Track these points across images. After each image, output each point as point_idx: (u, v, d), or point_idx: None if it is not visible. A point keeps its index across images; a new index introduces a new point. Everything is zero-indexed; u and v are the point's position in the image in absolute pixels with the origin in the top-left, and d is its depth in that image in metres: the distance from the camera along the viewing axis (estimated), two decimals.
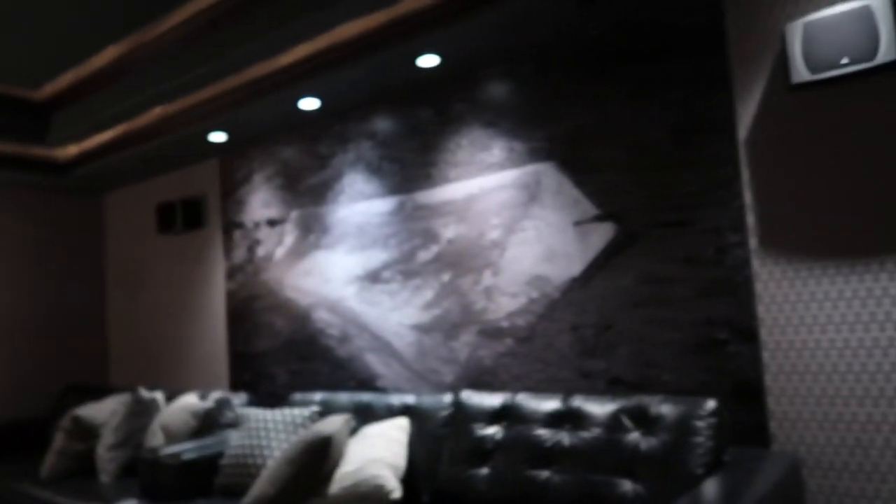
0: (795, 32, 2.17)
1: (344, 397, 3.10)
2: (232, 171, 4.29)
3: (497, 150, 3.03)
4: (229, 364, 4.23)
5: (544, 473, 2.31)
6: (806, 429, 2.19)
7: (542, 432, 2.41)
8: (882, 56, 2.04)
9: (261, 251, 4.10)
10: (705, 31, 2.45)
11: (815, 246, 2.21)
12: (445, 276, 3.21)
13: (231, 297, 4.25)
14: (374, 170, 3.52)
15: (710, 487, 1.89)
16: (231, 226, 4.28)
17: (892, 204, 2.09)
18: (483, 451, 2.50)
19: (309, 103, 3.47)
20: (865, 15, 2.06)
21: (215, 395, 3.54)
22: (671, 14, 2.52)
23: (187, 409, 3.33)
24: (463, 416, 2.64)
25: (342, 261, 3.67)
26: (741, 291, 2.34)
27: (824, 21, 2.12)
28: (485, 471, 2.45)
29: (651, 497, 2.07)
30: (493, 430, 2.54)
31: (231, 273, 4.26)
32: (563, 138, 2.81)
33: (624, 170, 2.63)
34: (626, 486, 2.14)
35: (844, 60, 2.09)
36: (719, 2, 2.41)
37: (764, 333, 2.28)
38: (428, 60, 2.98)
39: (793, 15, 2.25)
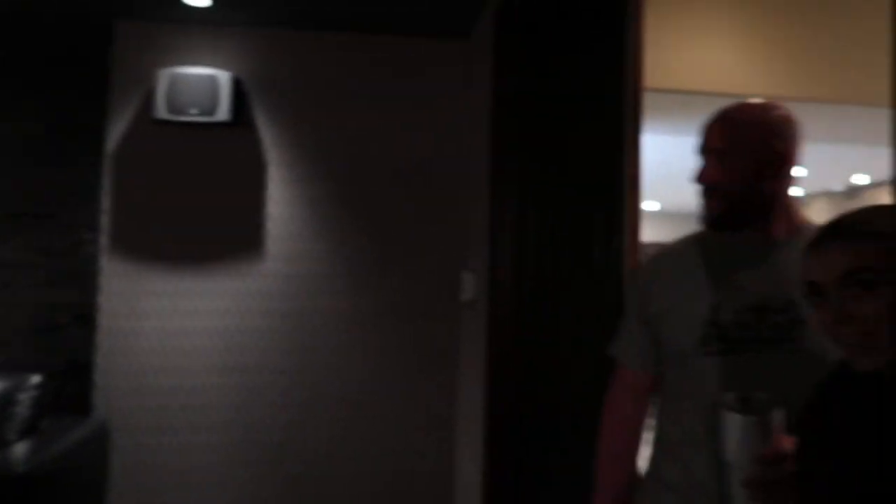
0: (164, 78, 2.58)
1: None
2: None
3: None
4: None
5: None
6: (123, 397, 2.56)
7: None
8: (219, 115, 2.62)
9: None
10: (94, 54, 2.65)
11: (155, 248, 2.63)
12: None
13: None
14: None
15: (18, 449, 2.04)
16: None
17: (214, 222, 2.67)
18: None
19: None
20: (213, 82, 2.62)
21: None
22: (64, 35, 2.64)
23: None
24: None
25: None
26: (87, 282, 2.58)
27: (185, 76, 2.59)
28: None
29: None
30: None
31: None
32: None
33: None
34: None
35: (194, 111, 2.60)
36: (110, 33, 2.65)
37: (101, 319, 2.57)
38: None
39: (164, 64, 2.66)
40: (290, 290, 2.71)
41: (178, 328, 2.61)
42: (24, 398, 2.24)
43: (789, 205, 1.29)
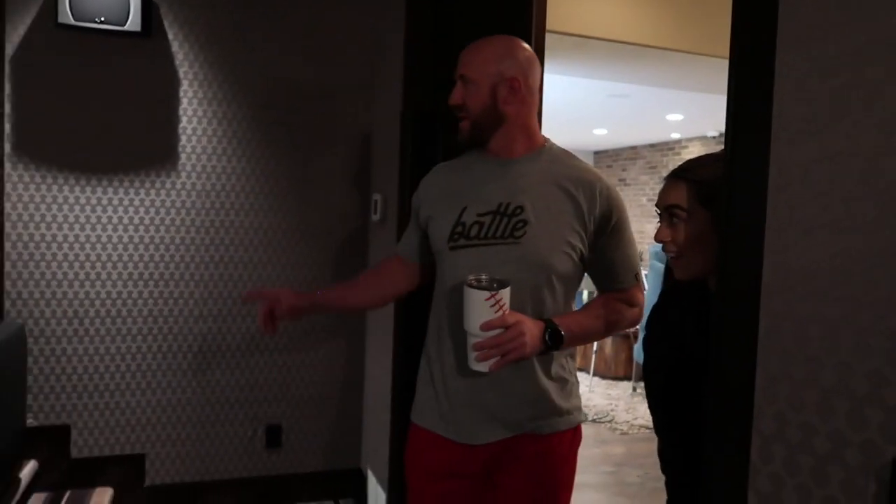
0: None
1: None
2: None
3: None
4: None
5: None
6: (36, 305, 2.55)
7: None
8: (129, 25, 2.55)
9: None
10: None
11: (63, 157, 2.57)
12: None
13: None
14: None
15: None
16: None
17: (125, 135, 2.63)
18: None
19: None
20: None
21: None
22: None
23: None
24: None
25: None
26: None
27: None
28: None
29: None
30: None
31: None
32: None
33: None
34: None
35: (101, 19, 2.52)
36: None
37: (9, 227, 2.52)
38: None
39: None
40: (206, 205, 2.75)
41: (92, 238, 2.60)
42: None
43: (528, 126, 1.51)
